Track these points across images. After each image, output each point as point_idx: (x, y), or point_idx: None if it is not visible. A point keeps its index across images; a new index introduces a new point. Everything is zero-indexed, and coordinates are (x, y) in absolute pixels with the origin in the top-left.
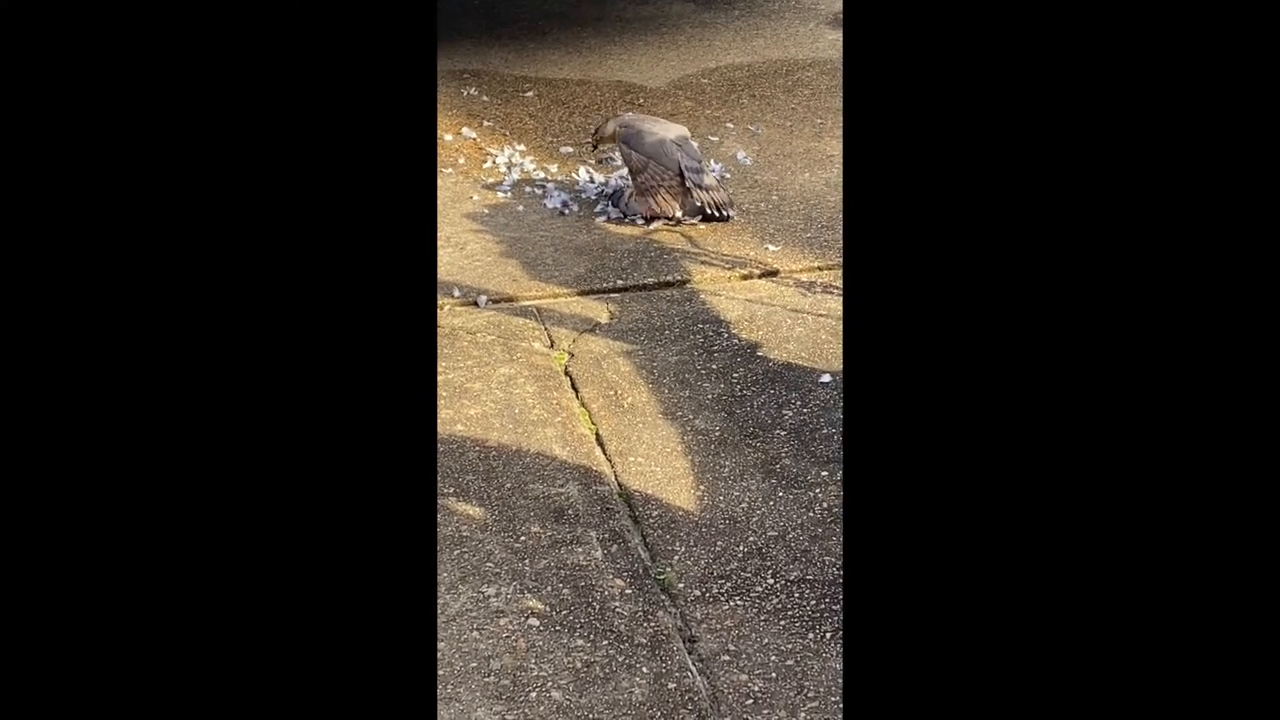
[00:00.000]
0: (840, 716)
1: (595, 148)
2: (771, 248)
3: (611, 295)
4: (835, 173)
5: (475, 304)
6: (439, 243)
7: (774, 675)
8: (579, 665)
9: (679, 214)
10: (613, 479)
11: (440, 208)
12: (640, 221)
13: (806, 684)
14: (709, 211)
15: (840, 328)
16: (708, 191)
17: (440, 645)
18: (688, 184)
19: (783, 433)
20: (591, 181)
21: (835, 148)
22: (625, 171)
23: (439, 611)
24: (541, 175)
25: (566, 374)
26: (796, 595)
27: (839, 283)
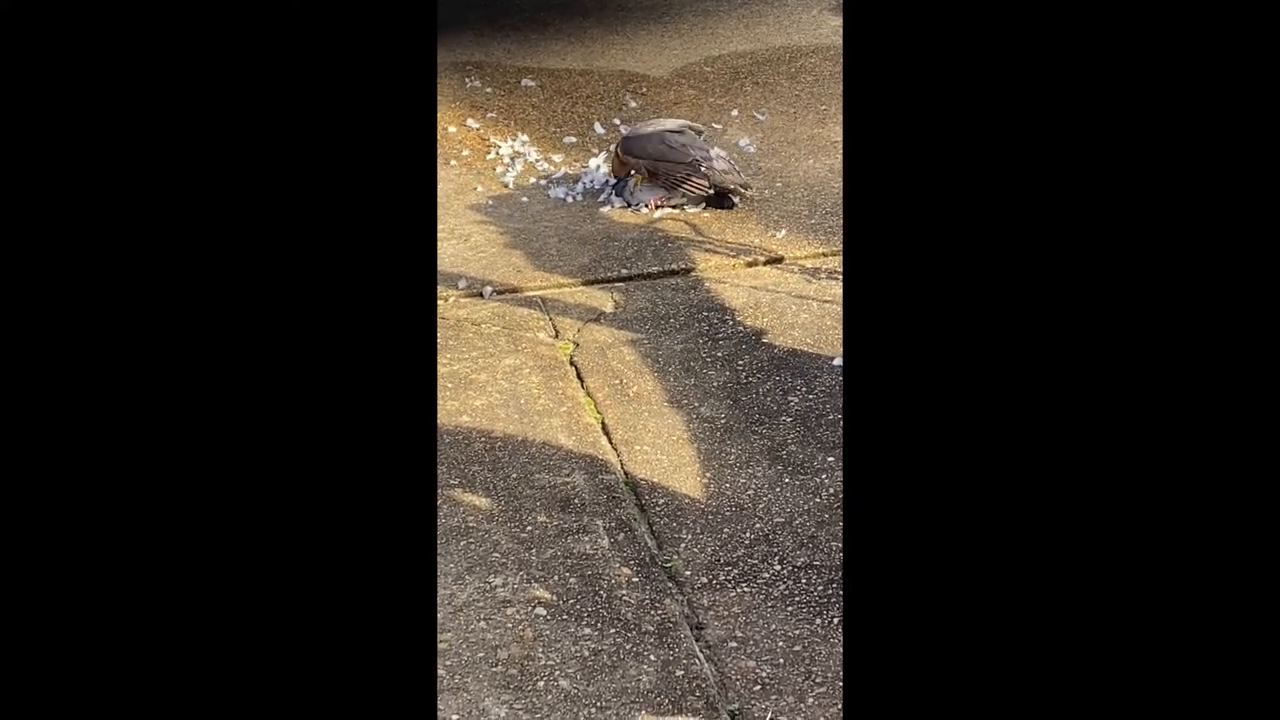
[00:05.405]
0: None
1: (622, 171)
2: (776, 234)
3: (616, 284)
4: (839, 159)
5: (480, 295)
6: (443, 235)
7: (781, 661)
8: (586, 654)
9: (710, 191)
10: (619, 468)
11: (444, 199)
12: (645, 210)
13: (814, 669)
14: (732, 191)
15: None
16: (725, 175)
17: (447, 636)
18: (704, 169)
19: (788, 419)
20: (597, 170)
21: (839, 134)
22: (633, 171)
23: (446, 602)
24: (545, 166)
25: (572, 364)
26: (803, 581)
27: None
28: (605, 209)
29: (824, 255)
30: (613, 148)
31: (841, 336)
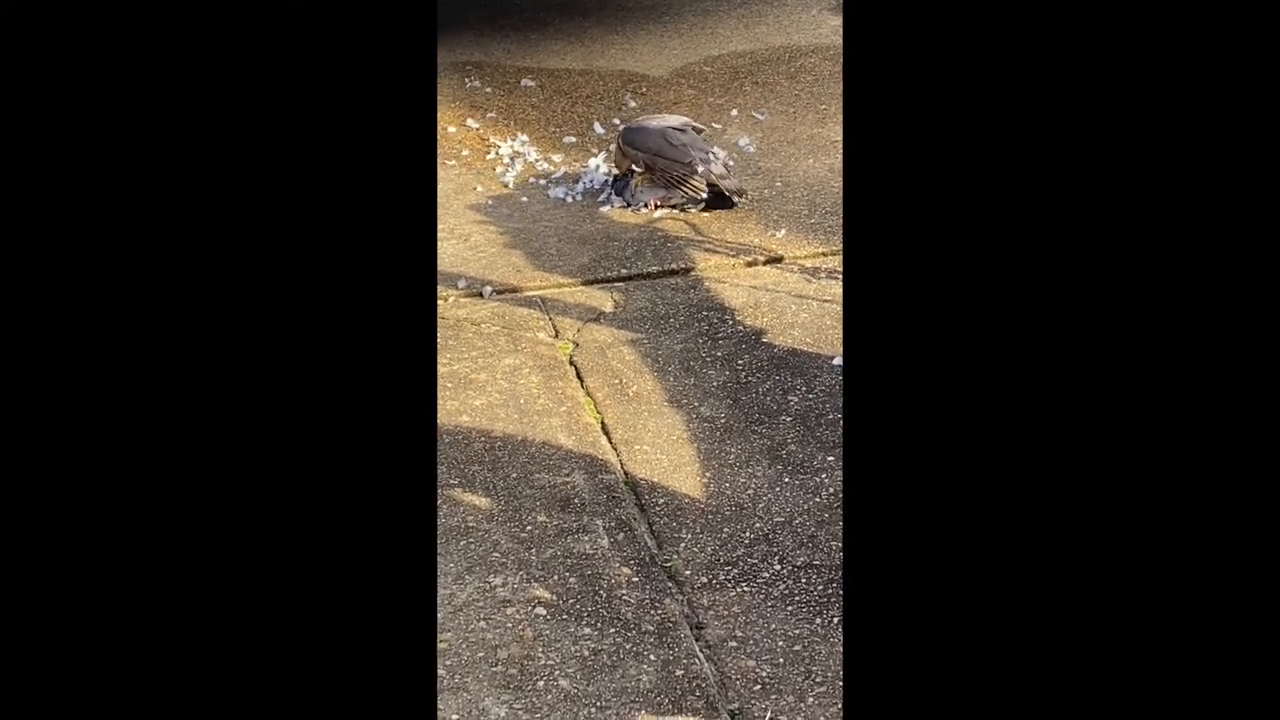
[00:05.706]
0: None
1: (625, 172)
2: (776, 234)
3: (616, 284)
4: (839, 159)
5: (480, 295)
6: (443, 234)
7: (781, 661)
8: (586, 654)
9: (705, 194)
10: (618, 467)
11: (444, 199)
12: (644, 209)
13: (814, 669)
14: (727, 196)
15: None
16: (722, 180)
17: (447, 635)
18: (700, 169)
19: (788, 419)
20: (597, 170)
21: (839, 134)
22: (632, 164)
23: (446, 602)
24: (545, 166)
25: (571, 363)
26: (803, 580)
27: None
28: (605, 209)
29: (823, 255)
30: (613, 145)
31: (841, 336)
